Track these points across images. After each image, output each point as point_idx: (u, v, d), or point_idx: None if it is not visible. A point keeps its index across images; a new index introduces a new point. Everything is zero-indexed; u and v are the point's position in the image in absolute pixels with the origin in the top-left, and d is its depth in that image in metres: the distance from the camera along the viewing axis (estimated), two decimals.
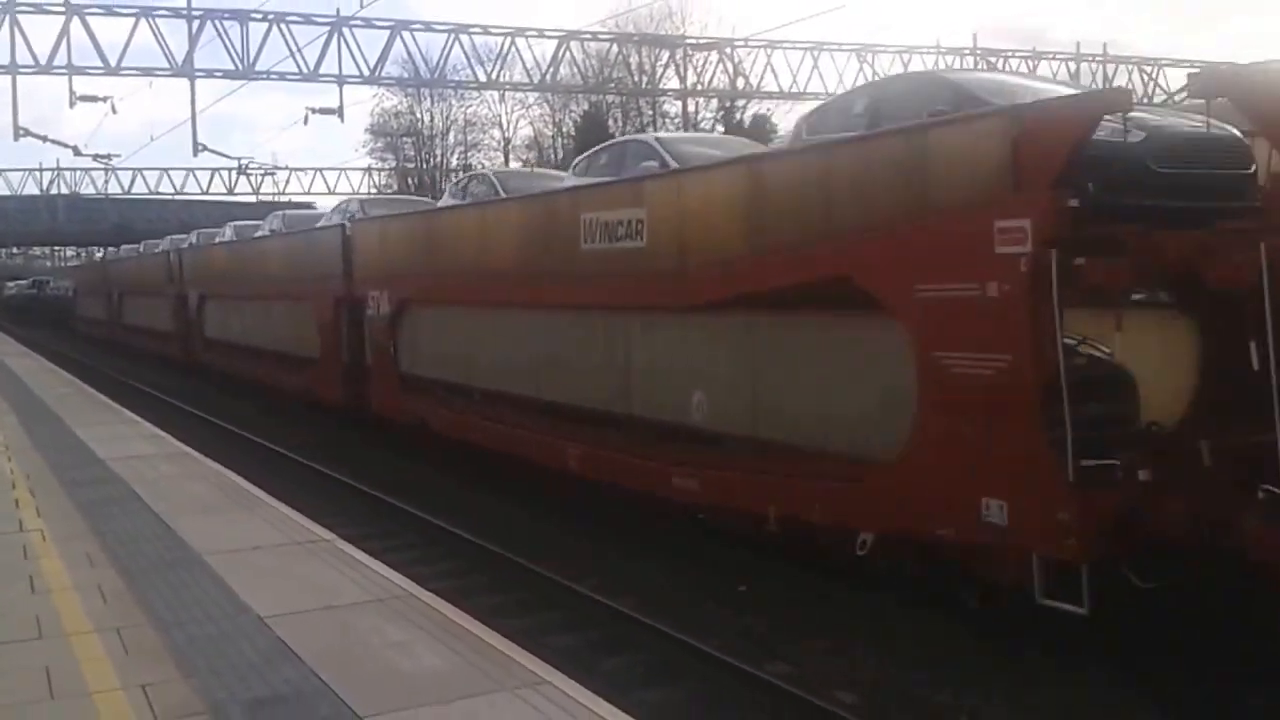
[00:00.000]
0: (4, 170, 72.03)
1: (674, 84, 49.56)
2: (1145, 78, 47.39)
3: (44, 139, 38.66)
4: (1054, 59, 46.97)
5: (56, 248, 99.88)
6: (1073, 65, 46.69)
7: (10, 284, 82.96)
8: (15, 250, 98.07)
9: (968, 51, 45.09)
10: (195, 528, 9.07)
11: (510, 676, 5.69)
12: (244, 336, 26.81)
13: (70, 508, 10.04)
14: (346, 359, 19.75)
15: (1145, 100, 44.50)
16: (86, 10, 32.82)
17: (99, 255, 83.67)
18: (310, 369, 21.57)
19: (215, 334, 29.51)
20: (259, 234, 28.75)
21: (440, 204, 20.34)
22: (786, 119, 53.10)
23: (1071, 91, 11.03)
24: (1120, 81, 46.68)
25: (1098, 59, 47.53)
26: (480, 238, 15.37)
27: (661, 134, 24.95)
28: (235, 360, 27.38)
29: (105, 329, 44.90)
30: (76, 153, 42.59)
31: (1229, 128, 8.23)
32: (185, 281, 31.81)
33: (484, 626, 6.62)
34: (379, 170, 72.11)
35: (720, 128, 54.57)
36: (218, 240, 31.98)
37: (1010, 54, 46.43)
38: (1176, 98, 45.37)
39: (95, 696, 5.53)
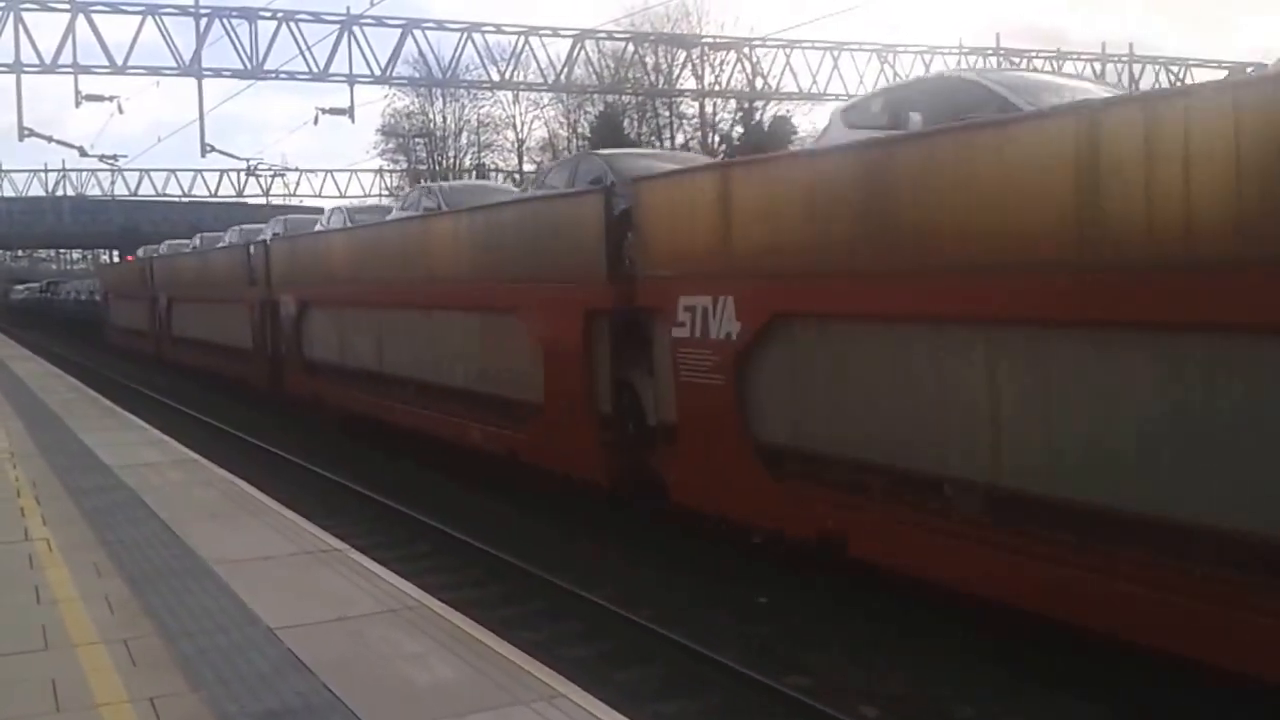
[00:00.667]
0: (9, 171, 72.17)
1: (691, 84, 49.57)
2: (1172, 78, 47.07)
3: (49, 139, 38.72)
4: (1079, 59, 46.74)
5: (62, 250, 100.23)
6: (1098, 65, 46.45)
7: (19, 287, 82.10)
8: (20, 253, 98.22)
9: (991, 52, 44.92)
10: (203, 536, 8.95)
11: (525, 689, 5.57)
12: (379, 362, 18.74)
13: (76, 516, 9.92)
14: (607, 406, 12.25)
15: None
16: (92, 8, 32.72)
17: (104, 255, 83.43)
18: (528, 421, 13.80)
19: (327, 356, 21.26)
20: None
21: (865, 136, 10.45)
22: (806, 120, 53.19)
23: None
24: (1147, 82, 46.49)
25: (1124, 59, 47.24)
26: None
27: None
28: (364, 394, 19.25)
29: (149, 342, 36.70)
30: (82, 153, 42.64)
31: None
32: (275, 285, 23.94)
33: (498, 638, 6.50)
34: (390, 172, 72.14)
35: (739, 129, 54.45)
36: (320, 228, 25.28)
37: (1035, 54, 46.31)
38: None
39: (102, 709, 5.42)
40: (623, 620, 9.46)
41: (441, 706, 5.36)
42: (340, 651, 6.14)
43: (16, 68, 31.75)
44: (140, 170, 68.90)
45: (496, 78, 40.99)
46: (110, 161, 48.67)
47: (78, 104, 32.90)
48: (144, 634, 6.52)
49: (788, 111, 52.74)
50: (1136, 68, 47.23)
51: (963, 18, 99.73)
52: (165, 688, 5.65)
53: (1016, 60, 44.73)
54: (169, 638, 6.43)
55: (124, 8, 33.45)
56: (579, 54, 40.18)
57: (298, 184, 69.90)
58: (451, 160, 68.07)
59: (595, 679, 7.34)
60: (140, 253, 45.38)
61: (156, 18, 33.54)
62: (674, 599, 10.14)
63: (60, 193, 71.76)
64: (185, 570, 7.94)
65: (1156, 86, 43.91)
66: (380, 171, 72.08)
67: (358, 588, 7.43)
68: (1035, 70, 11.91)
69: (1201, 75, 46.40)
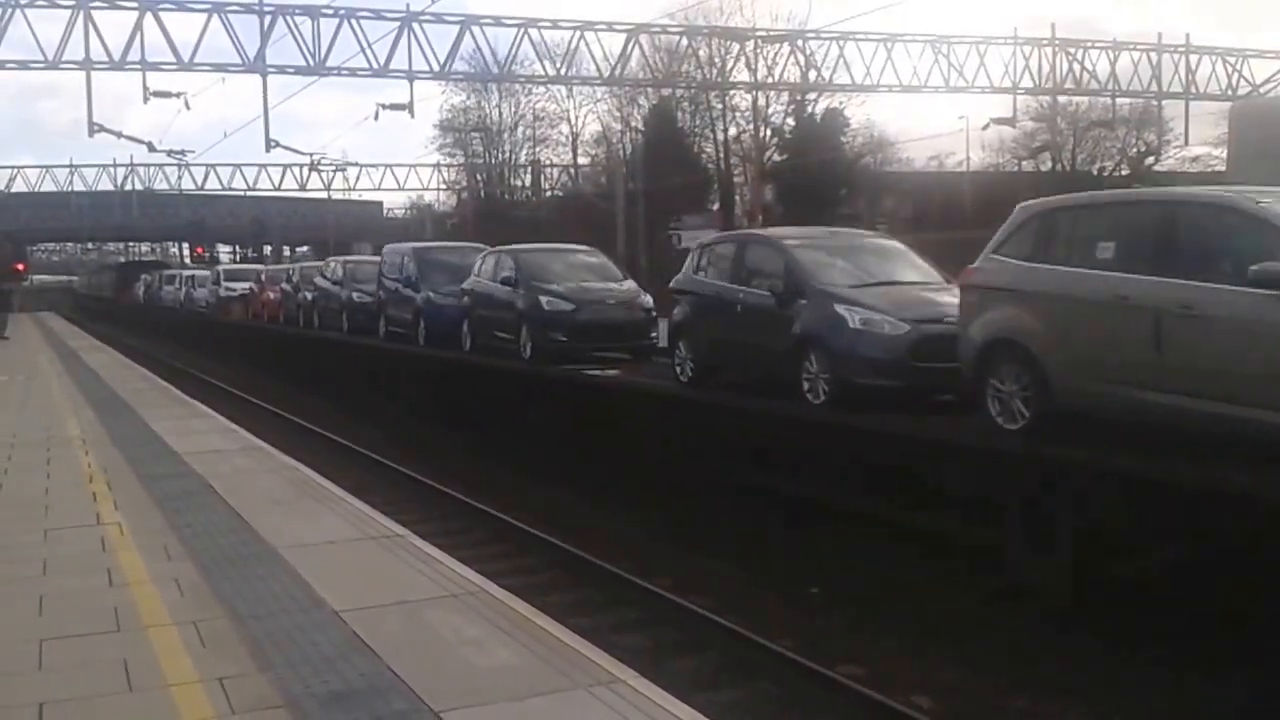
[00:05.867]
0: (79, 165, 73.43)
1: (744, 77, 49.45)
2: (1229, 69, 46.15)
3: (119, 135, 39.43)
4: (1134, 49, 45.95)
5: (131, 243, 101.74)
6: (1154, 56, 45.59)
7: (200, 274, 45.66)
8: (90, 245, 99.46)
9: (1045, 42, 44.27)
10: (270, 522, 9.10)
11: (584, 674, 5.63)
12: None
13: (147, 501, 10.12)
14: None
15: (1230, 92, 43.47)
16: (159, 6, 33.26)
17: (173, 248, 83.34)
18: None
19: None
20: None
21: None
22: (859, 112, 52.86)
23: None
24: (1204, 73, 45.62)
25: (1180, 49, 46.29)
26: None
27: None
28: None
29: None
30: (151, 149, 43.20)
31: None
32: None
33: (557, 624, 6.57)
34: (448, 166, 72.63)
35: (791, 121, 54.21)
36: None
37: (1090, 44, 45.59)
38: (1263, 89, 44.24)
39: (173, 689, 5.53)
40: (679, 608, 9.53)
41: (501, 689, 5.41)
42: (402, 634, 6.24)
43: (86, 64, 32.38)
44: (206, 165, 69.79)
45: (552, 72, 41.20)
46: (178, 157, 49.40)
47: (146, 100, 33.48)
48: (213, 616, 6.64)
49: (840, 103, 52.49)
50: (1193, 59, 46.27)
51: (1016, 7, 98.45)
52: (234, 668, 5.76)
53: (1072, 51, 44.05)
54: (238, 620, 6.55)
55: (190, 6, 33.94)
56: (633, 48, 40.23)
57: (358, 178, 70.58)
58: (507, 154, 68.52)
59: (651, 666, 7.39)
60: None
61: (222, 15, 34.02)
62: (729, 588, 10.20)
63: (129, 187, 73.05)
64: (253, 555, 8.08)
65: (1212, 76, 43.23)
66: (438, 166, 72.69)
67: (419, 572, 7.53)
68: None
69: (1259, 66, 45.65)
